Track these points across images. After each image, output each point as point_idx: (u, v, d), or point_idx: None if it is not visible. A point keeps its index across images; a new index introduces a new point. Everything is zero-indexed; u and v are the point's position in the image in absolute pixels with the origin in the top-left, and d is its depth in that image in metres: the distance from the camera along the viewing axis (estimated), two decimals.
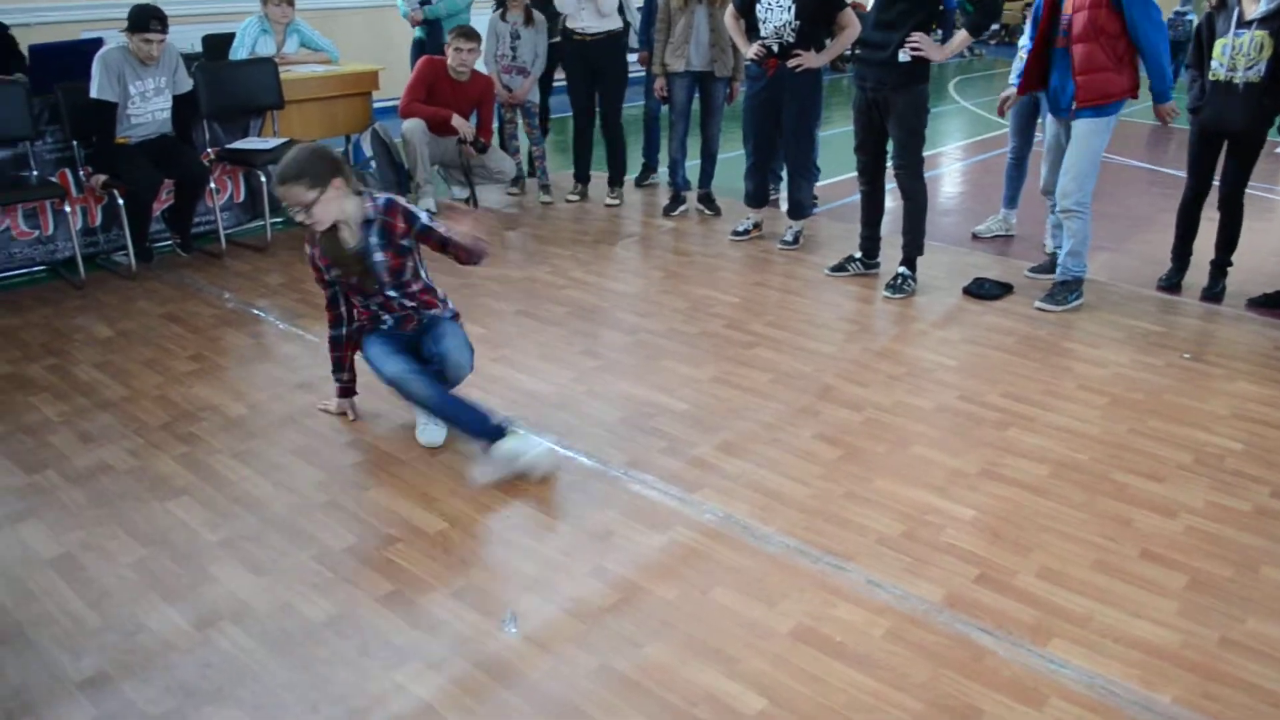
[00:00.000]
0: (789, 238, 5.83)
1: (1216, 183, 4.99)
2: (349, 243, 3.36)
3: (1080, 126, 4.57)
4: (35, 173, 5.18)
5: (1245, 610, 2.69)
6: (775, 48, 5.32)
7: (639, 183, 7.31)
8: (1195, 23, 5.14)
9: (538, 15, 6.57)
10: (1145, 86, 4.59)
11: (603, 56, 6.35)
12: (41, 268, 5.39)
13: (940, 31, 4.87)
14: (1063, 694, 2.38)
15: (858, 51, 5.10)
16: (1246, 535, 3.02)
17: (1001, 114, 5.71)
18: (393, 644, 2.53)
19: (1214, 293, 5.03)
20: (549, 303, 4.91)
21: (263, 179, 5.91)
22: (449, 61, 6.17)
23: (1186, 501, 3.20)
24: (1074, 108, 4.55)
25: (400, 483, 3.29)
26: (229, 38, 6.76)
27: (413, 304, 3.51)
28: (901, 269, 5.09)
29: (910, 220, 5.05)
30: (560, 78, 7.08)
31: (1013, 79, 5.66)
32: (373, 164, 6.62)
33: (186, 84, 5.43)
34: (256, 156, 5.77)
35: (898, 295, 5.00)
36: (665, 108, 6.53)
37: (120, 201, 5.19)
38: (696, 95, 6.28)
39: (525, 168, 7.10)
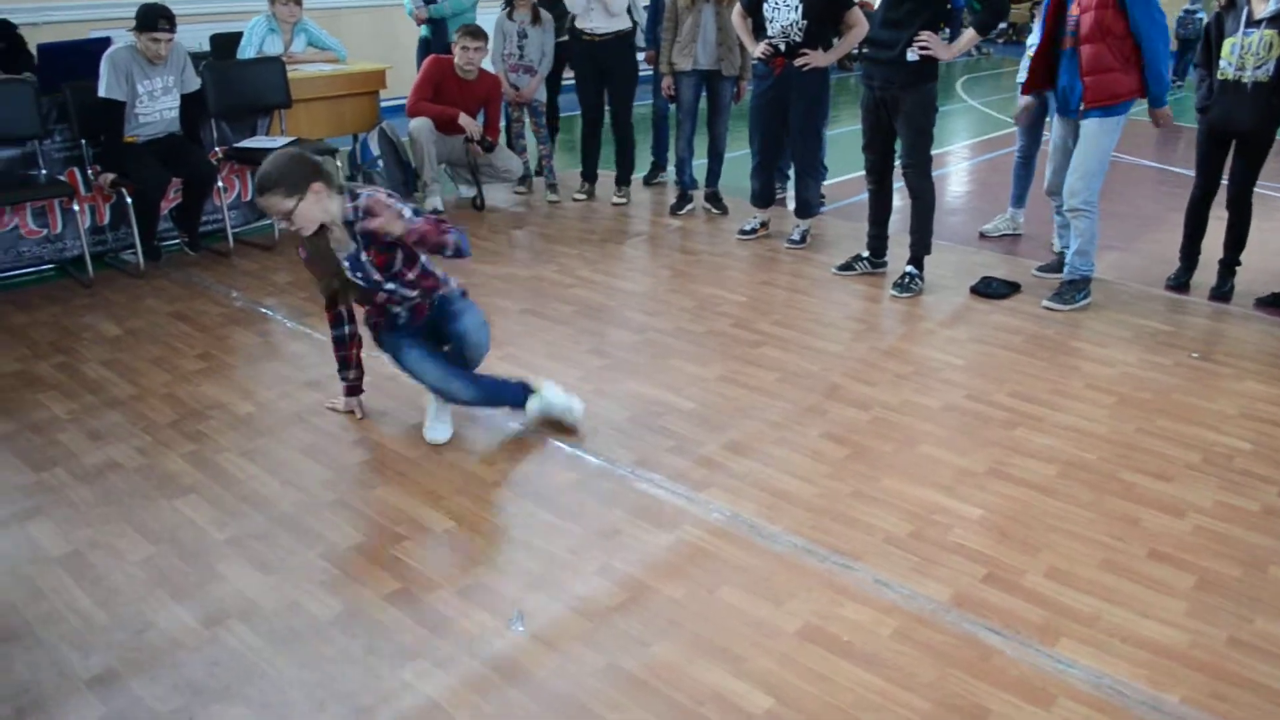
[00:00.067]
0: (796, 237, 5.83)
1: (1225, 182, 4.98)
2: (340, 243, 3.35)
3: (1089, 126, 4.56)
4: (44, 171, 5.20)
5: (1254, 610, 2.68)
6: (782, 47, 5.32)
7: (648, 181, 7.31)
8: (1205, 21, 5.12)
9: (545, 14, 6.57)
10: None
11: (611, 56, 6.35)
12: (50, 266, 5.41)
13: (947, 30, 4.85)
14: (1070, 694, 2.37)
15: (865, 50, 5.09)
16: (1255, 535, 3.01)
17: (1019, 121, 5.65)
18: (400, 642, 2.54)
19: (1222, 292, 5.02)
20: (556, 301, 4.91)
21: None
22: (456, 60, 6.17)
23: (1195, 501, 3.19)
24: (1082, 108, 4.54)
25: (407, 481, 3.30)
26: (236, 37, 6.78)
27: (415, 292, 3.50)
28: (909, 268, 5.08)
29: (918, 219, 5.04)
30: (569, 77, 7.08)
31: (1021, 77, 5.64)
32: (380, 163, 6.63)
33: (194, 83, 5.44)
34: (264, 155, 5.71)
35: (905, 294, 5.00)
36: (673, 107, 6.53)
37: (128, 200, 5.20)
38: (704, 94, 6.27)
39: (532, 167, 7.10)
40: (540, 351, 4.30)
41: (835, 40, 5.47)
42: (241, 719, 2.29)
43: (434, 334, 3.60)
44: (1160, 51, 4.40)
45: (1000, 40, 18.06)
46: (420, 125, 6.19)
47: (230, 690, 2.37)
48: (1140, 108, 4.63)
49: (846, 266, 5.36)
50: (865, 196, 5.32)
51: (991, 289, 5.02)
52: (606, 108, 6.59)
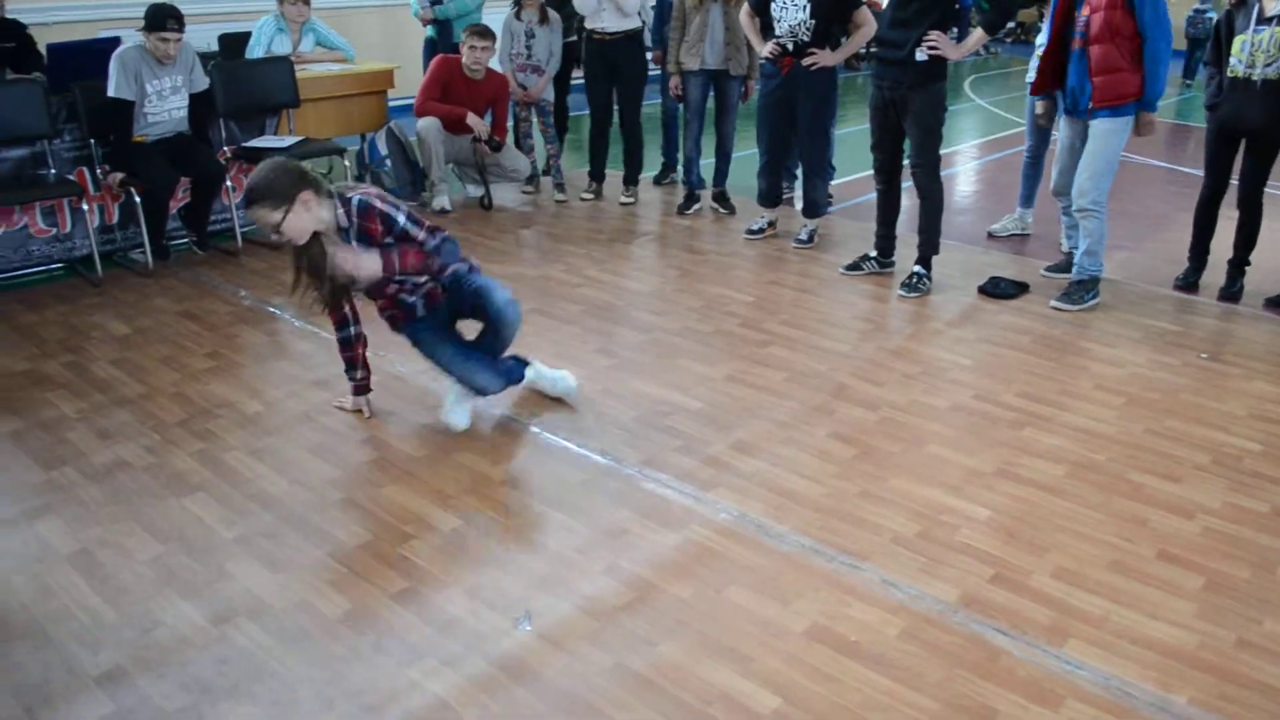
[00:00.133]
0: (804, 236, 5.82)
1: (1235, 182, 4.96)
2: (337, 246, 3.34)
3: (1098, 126, 4.55)
4: (53, 171, 5.22)
5: (1263, 612, 2.67)
6: (790, 46, 5.31)
7: (657, 181, 7.31)
8: (1215, 20, 5.10)
9: (553, 14, 6.57)
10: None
11: (622, 55, 6.35)
12: (59, 265, 5.43)
13: (955, 30, 4.83)
14: (1078, 695, 2.37)
15: (874, 50, 5.08)
16: (1264, 536, 3.00)
17: (1042, 124, 5.55)
18: (408, 641, 2.54)
19: (1231, 292, 5.00)
20: (564, 301, 4.91)
21: None
22: (464, 60, 6.18)
23: (1204, 502, 3.18)
24: (1090, 107, 4.53)
25: (415, 480, 3.30)
26: (245, 36, 6.80)
27: (424, 277, 3.51)
28: (917, 268, 5.08)
29: (926, 219, 5.03)
30: (577, 76, 7.09)
31: (1030, 77, 5.62)
32: (388, 162, 6.65)
33: (203, 82, 5.45)
34: (272, 154, 5.76)
35: (913, 294, 4.99)
36: (680, 106, 6.53)
37: (137, 199, 5.22)
38: (711, 94, 6.27)
39: (540, 166, 7.10)
40: (548, 351, 4.29)
41: (843, 39, 5.46)
42: (250, 717, 2.29)
43: (455, 314, 3.64)
44: (1161, 53, 4.38)
45: (1008, 40, 18.03)
46: (428, 125, 6.20)
47: (239, 688, 2.38)
48: None
49: (854, 266, 5.35)
50: (873, 196, 5.32)
51: (999, 289, 5.01)
52: (615, 107, 6.60)
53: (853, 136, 8.26)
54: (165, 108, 5.26)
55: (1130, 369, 4.15)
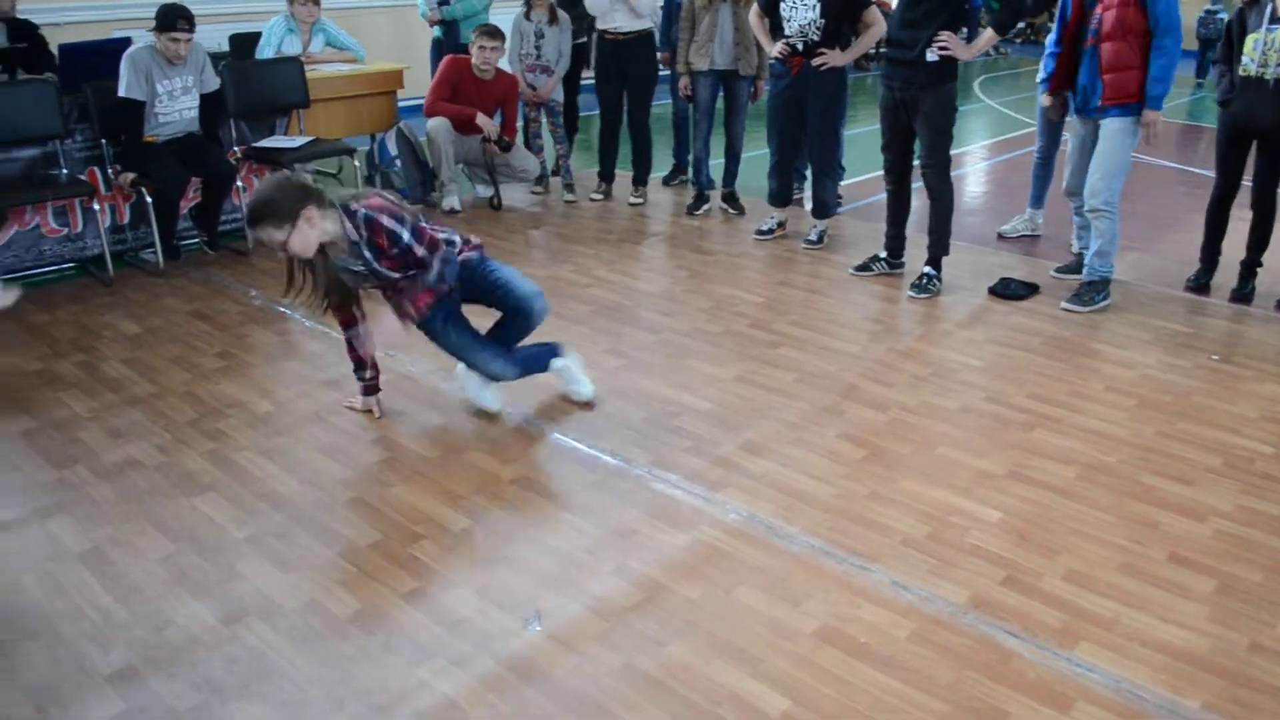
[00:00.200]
0: (813, 237, 5.81)
1: (1247, 183, 4.94)
2: (346, 260, 3.34)
3: (1110, 126, 4.54)
4: (65, 171, 5.23)
5: (1275, 615, 2.66)
6: (800, 46, 5.31)
7: (667, 182, 7.31)
8: (1226, 20, 5.08)
9: (562, 14, 6.58)
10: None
11: (634, 56, 6.36)
12: (71, 265, 5.44)
13: (965, 30, 4.82)
14: (1089, 698, 2.36)
15: (884, 50, 5.07)
16: (1277, 539, 2.99)
17: (1053, 118, 5.50)
18: (417, 641, 2.54)
19: (1243, 294, 4.98)
20: (573, 301, 4.91)
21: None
22: (473, 60, 6.18)
23: (1215, 505, 3.17)
24: (1101, 105, 4.52)
25: (425, 480, 3.31)
26: (255, 37, 6.82)
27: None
28: (927, 269, 5.06)
29: (936, 220, 5.02)
30: (587, 77, 7.09)
31: (1041, 76, 5.61)
32: (398, 163, 6.65)
33: (213, 83, 5.47)
34: (283, 155, 5.80)
35: (923, 295, 4.98)
36: (690, 107, 6.53)
37: (148, 199, 5.24)
38: (721, 94, 6.26)
39: (549, 167, 7.11)
40: None
41: (853, 39, 5.45)
42: (260, 717, 2.30)
43: (465, 299, 3.67)
44: (1170, 49, 4.35)
45: (1018, 40, 17.99)
46: (438, 125, 6.21)
47: (249, 688, 2.38)
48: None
49: (864, 267, 5.35)
50: (882, 197, 5.31)
51: (1010, 290, 5.00)
52: (625, 108, 6.60)
53: (862, 137, 8.25)
54: (176, 108, 5.28)
55: (1141, 371, 4.14)
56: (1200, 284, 5.13)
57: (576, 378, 3.84)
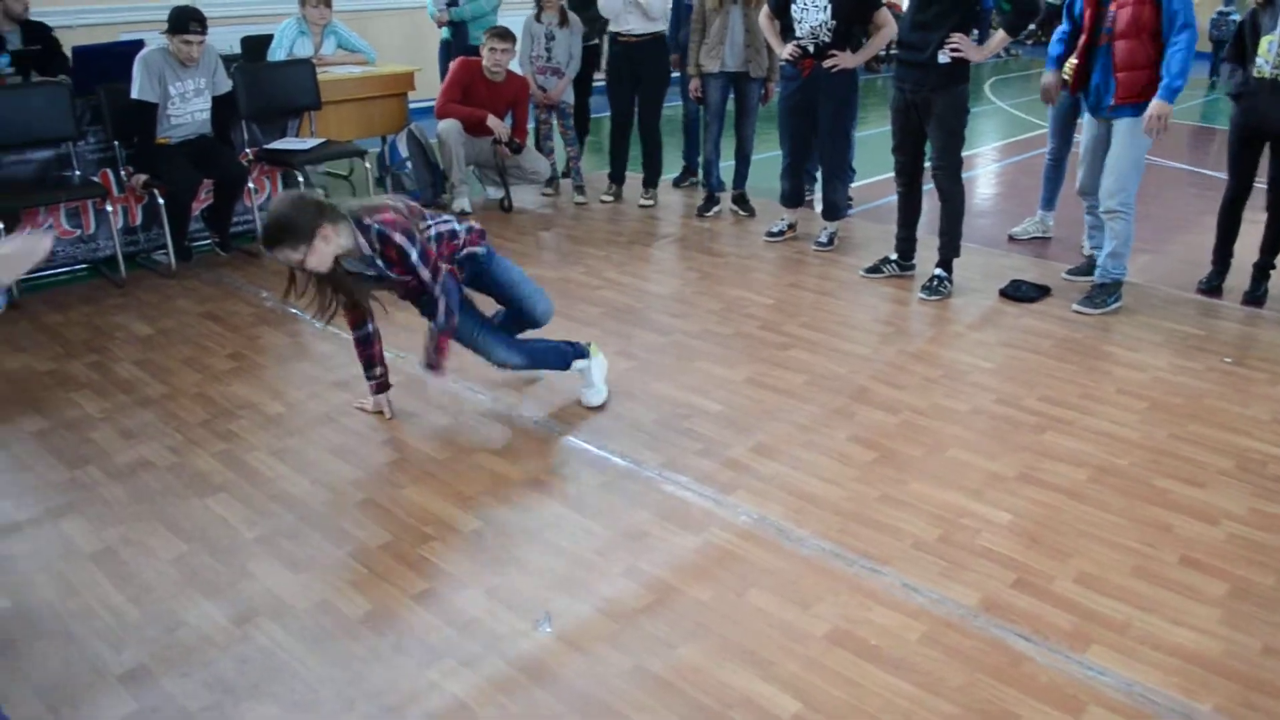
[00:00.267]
0: (824, 239, 5.81)
1: (1259, 185, 4.92)
2: (358, 265, 3.37)
3: (1123, 126, 4.52)
4: (78, 172, 5.26)
5: None
6: (811, 48, 5.30)
7: (677, 184, 7.31)
8: (1239, 21, 5.06)
9: (573, 16, 6.58)
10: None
11: (646, 58, 6.36)
12: (83, 266, 5.47)
13: (976, 32, 4.81)
14: (1101, 701, 2.36)
15: (895, 52, 5.06)
16: None
17: (1048, 100, 5.41)
18: (428, 642, 2.55)
19: (1256, 296, 4.96)
20: (584, 303, 4.91)
21: (300, 179, 5.97)
22: (484, 62, 6.19)
23: (1228, 508, 3.16)
24: (1113, 104, 4.49)
25: (435, 481, 3.31)
26: (267, 39, 6.84)
27: (446, 267, 3.55)
28: (937, 271, 5.06)
29: (947, 222, 5.01)
30: (598, 79, 7.10)
31: (1053, 52, 5.56)
32: (409, 164, 6.67)
33: (226, 85, 5.48)
34: (294, 157, 5.82)
35: (933, 297, 4.97)
36: (701, 109, 6.53)
37: (160, 201, 5.26)
38: (731, 96, 6.26)
39: (560, 168, 7.11)
40: None
41: (864, 41, 5.45)
42: (271, 717, 2.31)
43: (480, 290, 3.74)
44: (1186, 45, 4.31)
45: (1029, 42, 17.92)
46: (448, 127, 6.22)
47: (260, 688, 2.39)
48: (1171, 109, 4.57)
49: (874, 269, 5.34)
50: (893, 199, 5.30)
51: (1021, 292, 4.98)
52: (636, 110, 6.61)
53: (873, 139, 8.25)
54: (188, 110, 5.30)
55: (1153, 373, 4.12)
56: (1212, 286, 5.11)
57: (591, 383, 3.84)
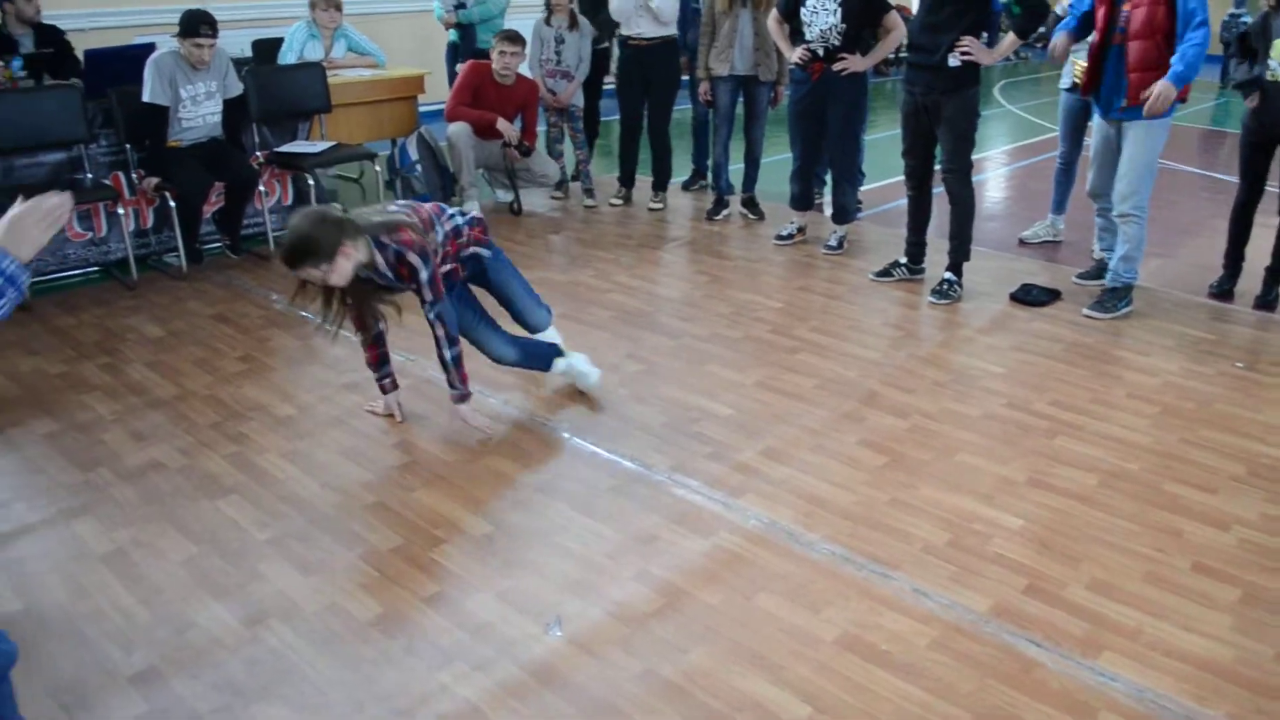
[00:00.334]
0: (833, 242, 5.80)
1: (1271, 189, 4.90)
2: (371, 276, 3.39)
3: (1135, 129, 4.49)
4: (89, 175, 5.28)
5: None
6: (821, 51, 5.30)
7: (686, 187, 7.31)
8: (1250, 22, 5.04)
9: (582, 19, 6.60)
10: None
11: (656, 62, 6.37)
12: (95, 268, 5.49)
13: (986, 35, 4.80)
14: (1113, 707, 2.35)
15: (905, 55, 5.06)
16: None
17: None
18: (438, 645, 2.55)
19: (1268, 300, 4.93)
20: (593, 306, 4.92)
21: (310, 182, 5.98)
22: (494, 65, 6.20)
23: (1239, 514, 3.15)
24: (1125, 106, 4.47)
25: (446, 484, 3.32)
26: (278, 42, 6.86)
27: (449, 266, 3.60)
28: (947, 275, 5.05)
29: (957, 225, 5.00)
30: (608, 82, 7.10)
31: (1062, 84, 5.58)
32: (418, 167, 6.68)
33: (237, 88, 5.51)
34: (305, 160, 5.84)
35: (943, 301, 4.96)
36: (710, 112, 6.53)
37: (171, 204, 5.28)
38: (740, 99, 6.26)
39: (569, 172, 7.12)
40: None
41: (873, 44, 5.45)
42: (281, 719, 2.31)
43: (481, 287, 3.81)
44: (1199, 39, 4.27)
45: (1039, 45, 17.88)
46: (458, 130, 6.22)
47: (270, 690, 2.40)
48: (1183, 112, 4.55)
49: (884, 273, 5.33)
50: (903, 202, 5.30)
51: (1031, 296, 4.97)
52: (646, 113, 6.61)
53: (883, 142, 8.24)
54: (199, 113, 5.32)
55: (1164, 378, 4.11)
56: (1223, 290, 5.09)
57: (582, 370, 3.91)
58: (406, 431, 3.68)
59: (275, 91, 5.94)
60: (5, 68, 5.76)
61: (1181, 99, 4.46)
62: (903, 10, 5.52)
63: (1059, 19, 4.67)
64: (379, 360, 3.68)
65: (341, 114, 6.44)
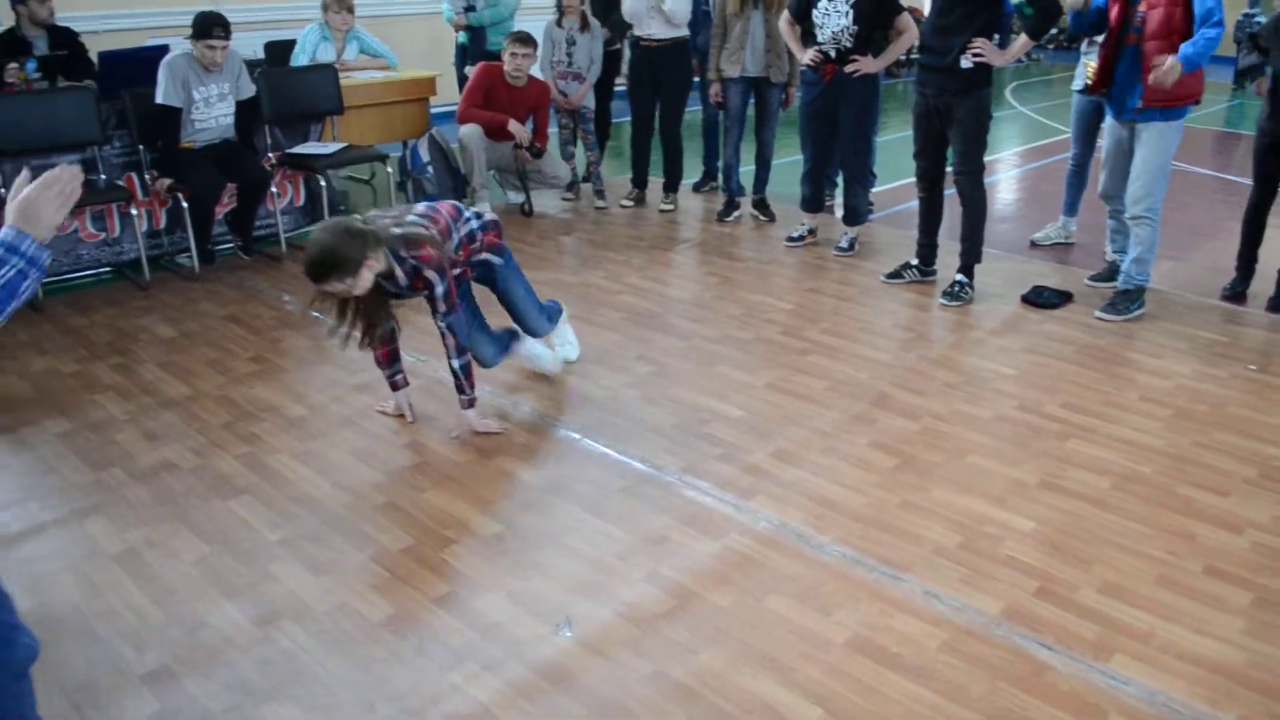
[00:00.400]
0: (844, 244, 5.80)
1: None
2: (391, 287, 3.42)
3: (1149, 131, 4.48)
4: (103, 176, 5.30)
5: None
6: (832, 53, 5.30)
7: (697, 188, 7.31)
8: (1263, 22, 5.02)
9: (593, 21, 6.60)
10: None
11: (668, 63, 6.37)
12: (108, 269, 5.52)
13: (997, 36, 4.79)
14: (1124, 711, 2.34)
15: (916, 57, 5.05)
16: None
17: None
18: (449, 645, 2.56)
19: None
20: (604, 308, 4.92)
21: (322, 183, 6.00)
22: (505, 67, 6.21)
23: (1252, 517, 3.13)
24: (1140, 107, 4.45)
25: (457, 485, 3.32)
26: (290, 44, 6.89)
27: (458, 270, 3.62)
28: (959, 276, 5.04)
29: (969, 227, 4.99)
30: (619, 84, 7.10)
31: (1075, 86, 5.55)
32: (430, 169, 6.69)
33: (249, 89, 5.53)
34: (317, 161, 5.85)
35: (955, 303, 4.95)
36: (721, 114, 6.53)
37: (184, 205, 5.30)
38: (752, 101, 6.26)
39: (580, 173, 7.13)
40: (588, 358, 4.30)
41: (885, 46, 5.44)
42: (292, 718, 2.32)
43: (487, 287, 3.86)
44: (1212, 35, 4.24)
45: (1051, 46, 17.86)
46: (470, 131, 6.23)
47: (281, 690, 2.40)
48: (1196, 114, 4.53)
49: (895, 274, 5.32)
50: (914, 204, 5.29)
51: (1043, 298, 4.96)
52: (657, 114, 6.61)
53: (894, 144, 8.22)
54: (212, 114, 5.34)
55: (1176, 380, 4.09)
56: (1236, 292, 5.06)
57: (564, 341, 4.21)
58: (417, 432, 3.69)
59: (287, 93, 5.96)
60: (20, 69, 5.80)
61: (1195, 100, 4.45)
62: (914, 12, 5.50)
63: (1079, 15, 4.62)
64: (390, 357, 3.68)
65: (353, 116, 6.46)
